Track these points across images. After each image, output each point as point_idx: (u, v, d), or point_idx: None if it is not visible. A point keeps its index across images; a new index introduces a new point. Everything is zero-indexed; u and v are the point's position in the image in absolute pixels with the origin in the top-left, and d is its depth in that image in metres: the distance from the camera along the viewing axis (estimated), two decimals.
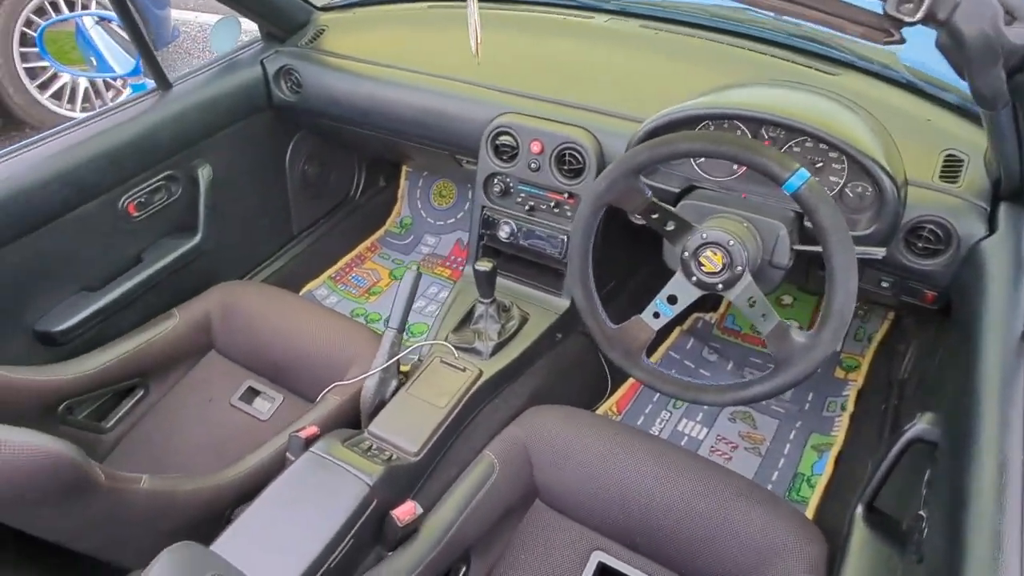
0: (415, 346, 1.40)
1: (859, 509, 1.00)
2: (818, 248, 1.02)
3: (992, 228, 1.11)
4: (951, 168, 1.18)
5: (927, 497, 0.88)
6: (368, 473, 1.09)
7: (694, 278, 1.10)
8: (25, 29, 3.14)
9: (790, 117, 1.19)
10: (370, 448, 1.18)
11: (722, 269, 1.07)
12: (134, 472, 1.06)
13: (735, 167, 1.28)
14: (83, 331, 1.44)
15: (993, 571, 0.65)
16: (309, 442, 1.14)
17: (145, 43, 1.53)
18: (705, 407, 1.74)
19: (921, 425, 0.94)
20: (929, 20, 0.66)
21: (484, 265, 1.35)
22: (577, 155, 1.43)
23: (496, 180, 1.55)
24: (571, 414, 1.28)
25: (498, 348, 1.42)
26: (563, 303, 1.55)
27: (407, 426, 1.24)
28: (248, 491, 1.15)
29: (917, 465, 0.94)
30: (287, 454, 1.16)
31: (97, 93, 3.46)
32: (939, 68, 1.36)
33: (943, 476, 0.84)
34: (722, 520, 1.09)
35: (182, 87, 1.64)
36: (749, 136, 1.28)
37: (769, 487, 1.53)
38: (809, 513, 1.46)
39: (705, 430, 1.69)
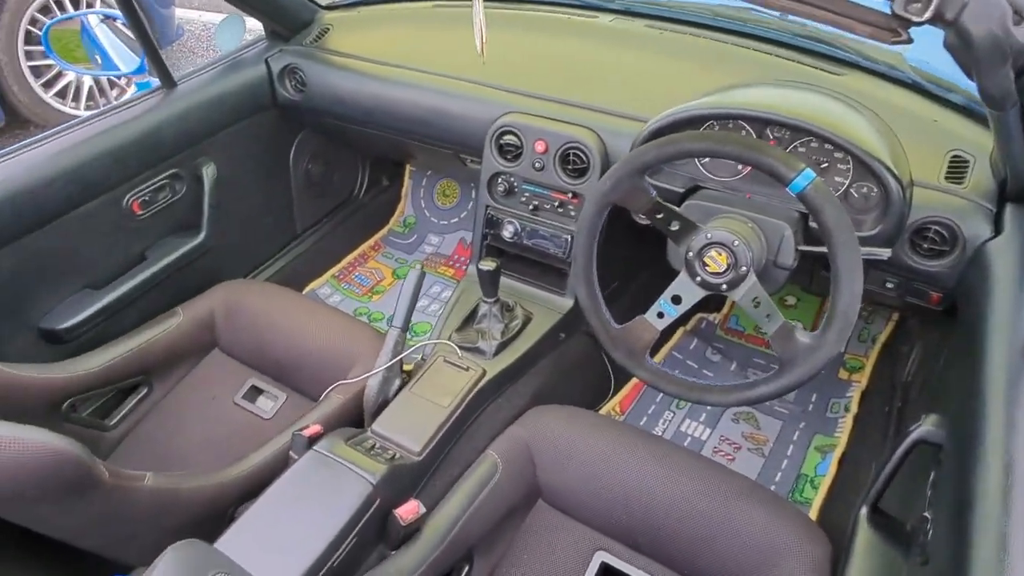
0: (418, 345, 1.40)
1: (863, 510, 1.00)
2: (823, 249, 1.02)
3: (998, 229, 1.11)
4: (957, 169, 1.18)
5: (932, 499, 0.87)
6: (371, 472, 1.09)
7: (698, 278, 1.10)
8: (30, 27, 3.15)
9: (795, 117, 1.18)
10: (373, 447, 1.18)
11: (726, 269, 1.07)
12: (137, 470, 1.06)
13: (740, 167, 1.28)
14: (87, 329, 1.45)
15: (999, 573, 0.64)
16: (312, 441, 1.14)
17: (150, 41, 1.53)
18: (708, 408, 1.74)
19: (926, 427, 0.93)
20: (937, 20, 0.66)
21: (488, 264, 1.35)
22: (581, 155, 1.43)
23: (500, 179, 1.55)
24: (574, 414, 1.28)
25: (501, 348, 1.42)
26: (567, 303, 1.55)
27: (410, 425, 1.24)
28: (251, 489, 1.16)
29: (921, 467, 0.94)
30: (290, 452, 1.16)
31: (101, 91, 3.47)
32: (945, 69, 1.36)
33: (948, 478, 0.84)
34: (725, 520, 1.09)
35: (186, 85, 1.64)
36: (754, 136, 1.27)
37: (772, 488, 1.53)
38: (812, 514, 1.46)
39: (708, 431, 1.69)
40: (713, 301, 1.40)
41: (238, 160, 1.77)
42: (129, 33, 1.80)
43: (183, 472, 1.16)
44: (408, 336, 1.34)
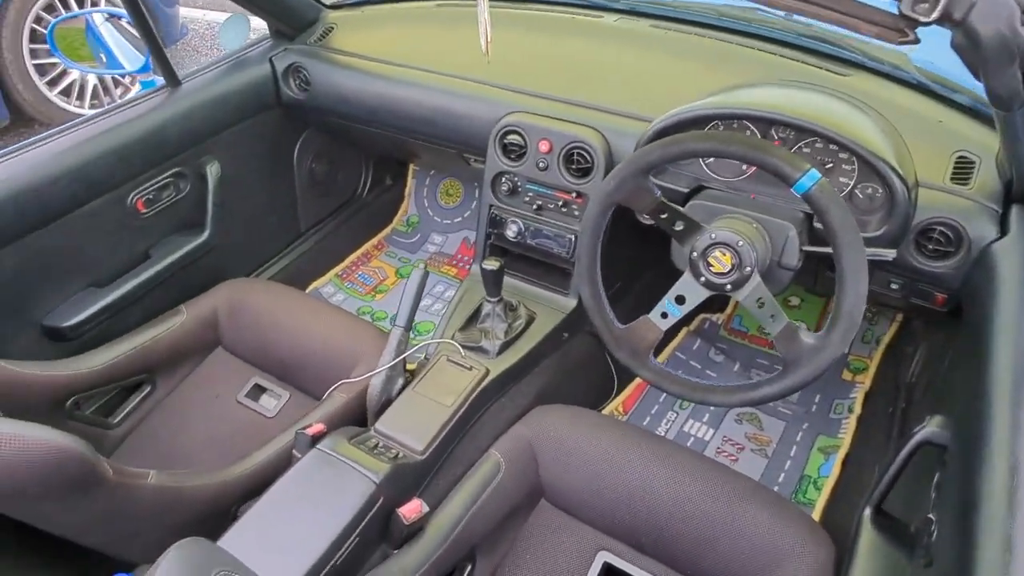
0: (422, 344, 1.40)
1: (867, 512, 0.99)
2: (828, 249, 1.02)
3: (1004, 230, 1.10)
4: (962, 170, 1.18)
5: (936, 500, 0.87)
6: (374, 471, 1.09)
7: (702, 278, 1.10)
8: (35, 26, 3.16)
9: (800, 117, 1.18)
10: (376, 446, 1.18)
11: (731, 270, 1.07)
12: (140, 468, 1.06)
13: (744, 167, 1.28)
14: (91, 327, 1.45)
15: (1003, 575, 0.64)
16: (315, 439, 1.14)
17: (155, 40, 1.53)
18: (711, 408, 1.74)
19: (930, 428, 0.93)
20: (944, 20, 0.65)
21: (492, 264, 1.35)
22: (585, 154, 1.43)
23: (504, 179, 1.55)
24: (577, 414, 1.28)
25: (505, 347, 1.42)
26: (570, 303, 1.55)
27: (413, 424, 1.24)
28: (254, 488, 1.16)
29: (926, 468, 0.94)
30: (293, 451, 1.16)
31: (106, 90, 3.48)
32: (950, 69, 1.36)
33: (953, 479, 0.84)
34: (728, 521, 1.08)
35: (191, 84, 1.64)
36: (759, 136, 1.27)
37: (775, 489, 1.53)
38: (815, 515, 1.45)
39: (711, 431, 1.69)
40: (716, 301, 1.41)
41: (242, 159, 1.77)
42: (134, 32, 1.81)
43: (186, 470, 1.16)
44: (411, 335, 1.34)
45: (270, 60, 1.79)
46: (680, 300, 1.12)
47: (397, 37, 1.77)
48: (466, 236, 2.29)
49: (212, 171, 1.66)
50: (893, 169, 1.12)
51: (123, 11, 1.62)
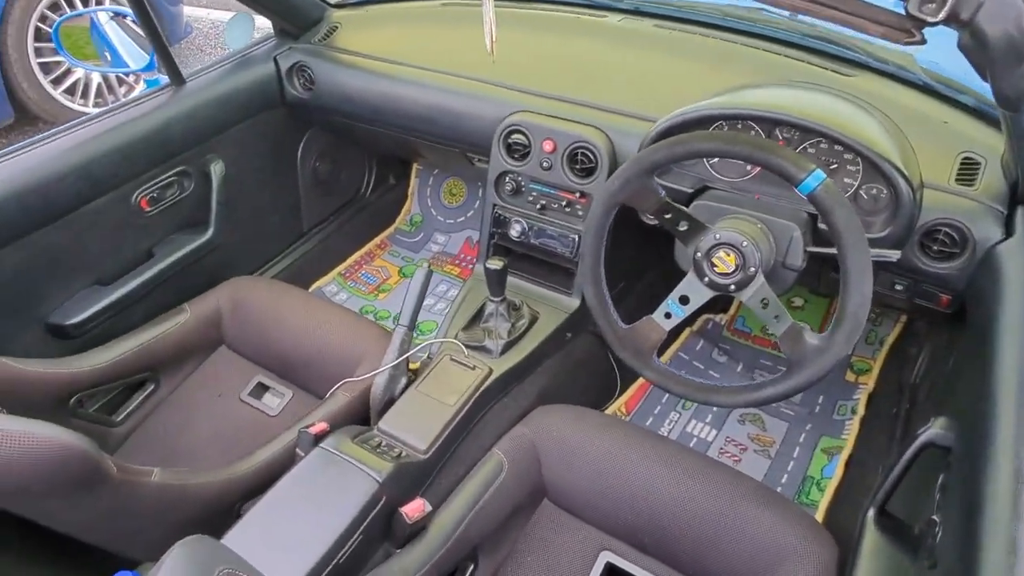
0: (425, 344, 1.40)
1: (871, 513, 0.99)
2: (832, 250, 1.01)
3: (1009, 232, 1.10)
4: (968, 171, 1.17)
5: (940, 502, 0.87)
6: (377, 470, 1.09)
7: (706, 279, 1.09)
8: (40, 24, 3.16)
9: (805, 118, 1.18)
10: (379, 445, 1.18)
11: (735, 270, 1.07)
12: (144, 466, 1.07)
13: (748, 168, 1.28)
14: (95, 324, 1.45)
15: None
16: (319, 438, 1.14)
17: (160, 38, 1.54)
18: (714, 409, 1.73)
19: (935, 429, 0.93)
20: (952, 20, 0.65)
21: (495, 263, 1.35)
22: (589, 154, 1.42)
23: (508, 178, 1.55)
24: (580, 414, 1.28)
25: (508, 347, 1.42)
26: (573, 302, 1.55)
27: (416, 423, 1.24)
28: (258, 486, 1.16)
29: (930, 469, 0.93)
30: (297, 450, 1.16)
31: (109, 88, 3.48)
32: (956, 70, 1.36)
33: (957, 481, 0.84)
34: (731, 522, 1.08)
35: (195, 83, 1.64)
36: (763, 137, 1.27)
37: (778, 490, 1.53)
38: (818, 516, 1.45)
39: (714, 432, 1.69)
40: (719, 302, 1.40)
41: (246, 158, 1.77)
42: (138, 30, 1.81)
43: (190, 468, 1.16)
44: (414, 335, 1.34)
45: (274, 59, 1.79)
46: (684, 300, 1.12)
47: (401, 36, 1.77)
48: (469, 236, 2.29)
49: (216, 170, 1.66)
50: (898, 170, 1.12)
51: (128, 10, 1.62)
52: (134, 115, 1.50)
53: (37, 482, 0.89)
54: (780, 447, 1.64)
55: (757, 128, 1.27)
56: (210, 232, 1.66)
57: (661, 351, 1.18)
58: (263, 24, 1.88)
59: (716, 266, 1.08)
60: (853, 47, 1.44)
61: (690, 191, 1.30)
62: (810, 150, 1.24)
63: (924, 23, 0.66)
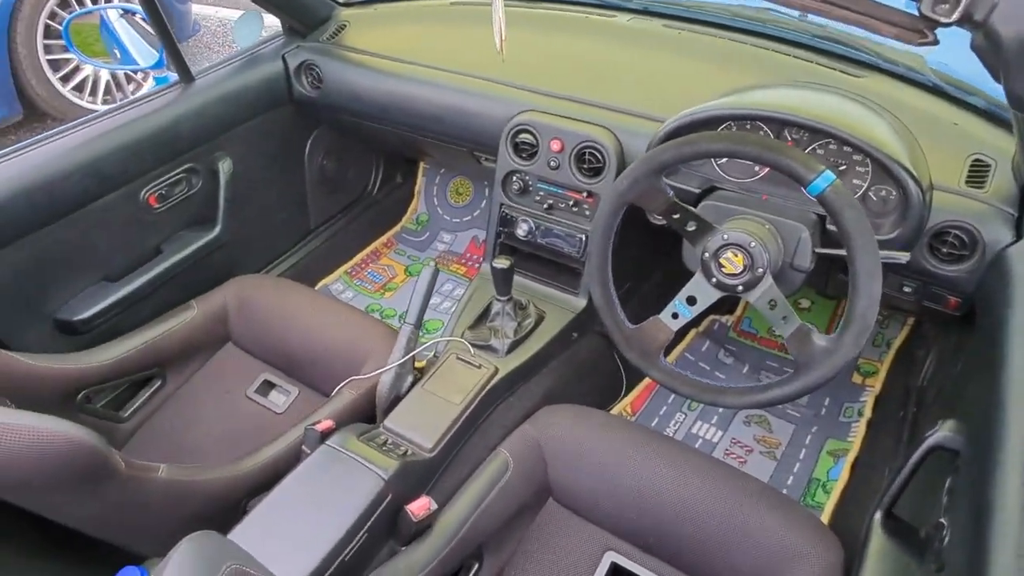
0: (431, 342, 1.40)
1: (877, 515, 0.99)
2: (841, 251, 1.01)
3: (1019, 234, 1.09)
4: (978, 173, 1.17)
5: (948, 505, 0.86)
6: (383, 468, 1.09)
7: (714, 279, 1.09)
8: (49, 21, 3.18)
9: (814, 118, 1.17)
10: (385, 443, 1.19)
11: (743, 271, 1.07)
12: (151, 462, 1.07)
13: (757, 168, 1.27)
14: (103, 321, 1.46)
15: None
16: (325, 435, 1.15)
17: (169, 36, 1.54)
18: (720, 410, 1.73)
19: (943, 432, 0.92)
20: (965, 21, 0.65)
21: (502, 262, 1.35)
22: (597, 154, 1.42)
23: (515, 178, 1.55)
24: (586, 413, 1.28)
25: (514, 346, 1.42)
26: (580, 302, 1.55)
27: (422, 422, 1.24)
28: (264, 483, 1.16)
29: (937, 473, 0.93)
30: (303, 447, 1.16)
31: (118, 86, 3.50)
32: (966, 72, 1.35)
33: (965, 485, 0.83)
34: (737, 523, 1.08)
35: (204, 81, 1.65)
36: (772, 137, 1.27)
37: (784, 491, 1.52)
38: (824, 519, 1.45)
39: (720, 433, 1.68)
40: (726, 303, 1.40)
41: (254, 155, 1.77)
42: (148, 28, 1.82)
43: (196, 464, 1.16)
44: (420, 333, 1.34)
45: (283, 57, 1.79)
46: (691, 301, 1.12)
47: (410, 35, 1.77)
48: (475, 235, 2.29)
49: (224, 167, 1.66)
50: (907, 171, 1.11)
51: (137, 7, 1.63)
52: (143, 112, 1.51)
53: (44, 476, 0.90)
54: (786, 449, 1.63)
55: (766, 129, 1.27)
56: (217, 229, 1.67)
57: (666, 352, 1.18)
58: (272, 22, 1.88)
59: (724, 267, 1.07)
60: (862, 48, 1.44)
61: (698, 191, 1.30)
62: (819, 151, 1.23)
63: (937, 24, 0.66)
